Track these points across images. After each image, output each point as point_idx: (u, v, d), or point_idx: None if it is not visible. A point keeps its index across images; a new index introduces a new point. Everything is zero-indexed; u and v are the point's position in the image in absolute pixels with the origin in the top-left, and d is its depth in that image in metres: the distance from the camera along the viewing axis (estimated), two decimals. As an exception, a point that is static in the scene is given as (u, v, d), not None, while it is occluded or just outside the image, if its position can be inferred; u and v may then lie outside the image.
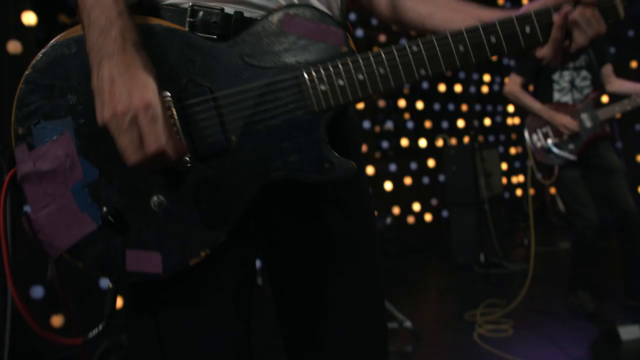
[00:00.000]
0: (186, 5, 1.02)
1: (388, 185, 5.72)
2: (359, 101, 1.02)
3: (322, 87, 1.00)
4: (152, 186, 0.99)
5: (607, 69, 3.78)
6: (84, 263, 1.01)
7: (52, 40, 1.02)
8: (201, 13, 1.01)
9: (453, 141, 6.37)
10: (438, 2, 1.20)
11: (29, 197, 1.01)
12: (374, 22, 5.43)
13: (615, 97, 3.79)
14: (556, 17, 1.04)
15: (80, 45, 0.99)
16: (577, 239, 3.75)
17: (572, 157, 3.65)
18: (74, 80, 1.01)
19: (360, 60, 1.00)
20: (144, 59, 0.93)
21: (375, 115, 5.96)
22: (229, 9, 1.02)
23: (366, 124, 5.66)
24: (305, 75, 0.99)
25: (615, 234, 3.74)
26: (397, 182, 5.88)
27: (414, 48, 1.01)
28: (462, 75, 6.74)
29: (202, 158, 0.98)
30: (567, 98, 3.74)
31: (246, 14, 1.03)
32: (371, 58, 1.01)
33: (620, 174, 3.70)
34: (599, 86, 3.71)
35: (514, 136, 7.55)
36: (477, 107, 7.12)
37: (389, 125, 5.87)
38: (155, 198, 0.99)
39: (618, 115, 5.88)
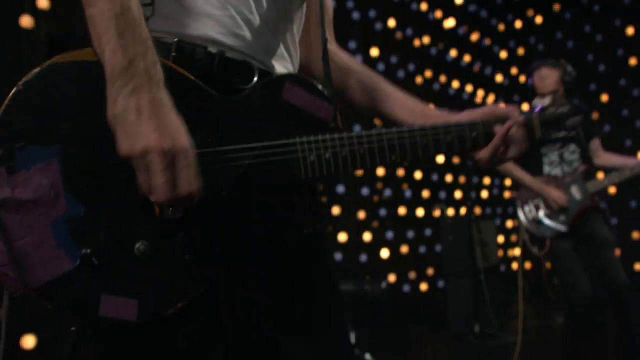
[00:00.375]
0: (171, 40, 1.06)
1: (384, 253, 5.75)
2: (339, 174, 1.12)
3: (312, 158, 1.08)
4: (138, 231, 0.97)
5: (595, 143, 3.91)
6: (54, 303, 0.94)
7: (51, 60, 0.96)
8: (186, 50, 1.06)
9: (450, 211, 6.44)
10: (409, 105, 1.37)
11: (2, 226, 0.92)
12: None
13: (609, 172, 3.89)
14: (499, 129, 1.22)
15: (84, 71, 0.96)
16: (571, 310, 3.76)
17: (563, 228, 3.71)
18: (71, 107, 0.95)
19: (345, 138, 1.10)
20: (170, 98, 0.94)
21: (374, 183, 6.06)
22: (212, 48, 1.08)
23: (365, 191, 5.75)
24: (299, 145, 1.07)
25: (609, 306, 3.74)
26: (394, 250, 5.92)
27: (389, 136, 1.14)
28: (459, 147, 6.88)
29: (191, 208, 0.99)
30: (556, 171, 3.84)
31: (228, 54, 1.09)
32: (354, 138, 1.11)
33: (611, 246, 3.76)
34: (587, 159, 3.82)
35: (510, 209, 7.62)
36: (475, 179, 7.23)
37: (387, 193, 5.96)
38: (139, 244, 0.97)
39: (612, 189, 5.96)
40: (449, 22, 6.56)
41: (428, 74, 6.23)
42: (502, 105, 1.31)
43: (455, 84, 6.58)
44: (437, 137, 1.17)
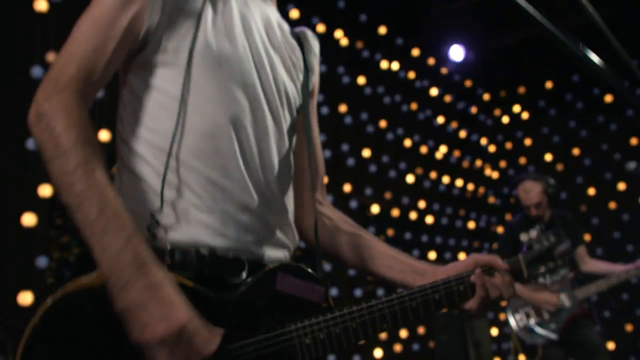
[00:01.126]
0: (164, 247, 1.13)
1: (378, 353, 5.71)
2: (334, 352, 1.17)
3: (307, 341, 1.14)
4: None
5: (581, 251, 4.02)
6: None
7: (64, 289, 1.04)
8: (178, 255, 1.13)
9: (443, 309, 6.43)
10: (398, 262, 1.42)
11: None
12: (368, 192, 5.76)
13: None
14: (477, 280, 1.26)
15: (91, 296, 1.03)
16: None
17: (553, 336, 3.76)
18: (83, 333, 1.02)
19: (337, 317, 1.16)
20: (163, 274, 1.00)
21: (366, 284, 6.06)
22: (203, 250, 1.15)
23: (357, 292, 5.76)
24: (294, 332, 1.14)
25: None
26: (387, 350, 5.88)
27: (379, 306, 1.19)
28: (451, 242, 6.97)
29: None
30: (544, 279, 3.92)
31: (218, 253, 1.17)
32: (345, 314, 1.17)
33: (602, 352, 3.80)
34: (574, 267, 3.91)
35: (503, 302, 7.62)
36: (467, 272, 7.24)
37: (380, 292, 5.99)
38: None
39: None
40: (439, 120, 6.80)
41: (419, 171, 6.39)
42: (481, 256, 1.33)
43: (446, 179, 6.74)
44: (426, 297, 1.22)
